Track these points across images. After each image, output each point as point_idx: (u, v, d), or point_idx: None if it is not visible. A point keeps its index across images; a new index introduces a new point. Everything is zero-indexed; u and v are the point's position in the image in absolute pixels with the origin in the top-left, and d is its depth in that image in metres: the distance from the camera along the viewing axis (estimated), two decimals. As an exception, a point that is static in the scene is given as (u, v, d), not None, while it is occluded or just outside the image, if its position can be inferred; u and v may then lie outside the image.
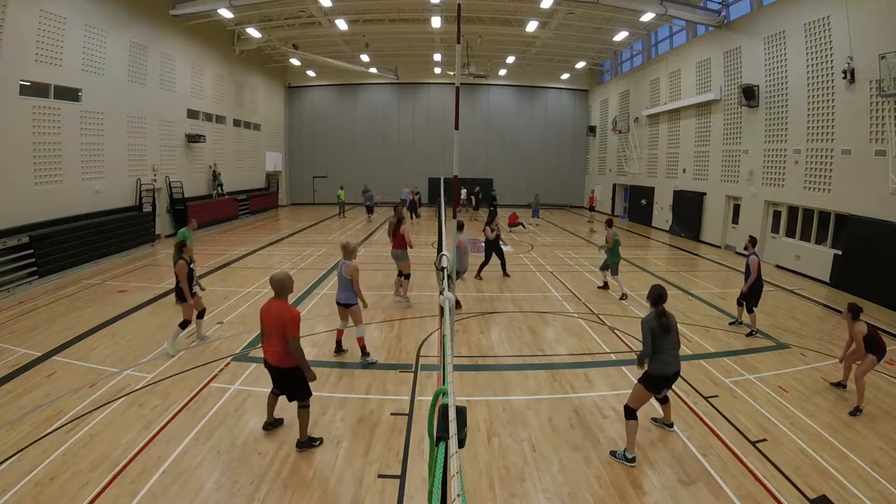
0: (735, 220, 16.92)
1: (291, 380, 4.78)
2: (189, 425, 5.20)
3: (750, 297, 8.22)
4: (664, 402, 5.23)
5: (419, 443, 4.94)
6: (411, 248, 9.59)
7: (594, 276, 12.52)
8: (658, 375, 4.67)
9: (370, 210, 23.83)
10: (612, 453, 4.77)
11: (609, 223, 11.03)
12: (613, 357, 7.36)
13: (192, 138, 19.30)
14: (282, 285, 4.94)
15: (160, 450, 4.74)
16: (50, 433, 4.98)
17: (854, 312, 5.87)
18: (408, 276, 9.73)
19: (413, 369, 6.77)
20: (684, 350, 7.63)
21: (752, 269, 8.02)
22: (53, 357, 6.99)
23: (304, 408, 4.84)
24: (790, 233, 14.32)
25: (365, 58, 25.50)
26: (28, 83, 11.87)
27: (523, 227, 21.05)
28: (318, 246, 16.54)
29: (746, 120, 15.93)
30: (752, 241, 8.43)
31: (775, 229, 14.89)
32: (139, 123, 16.34)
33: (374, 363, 6.86)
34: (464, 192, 25.23)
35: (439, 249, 6.71)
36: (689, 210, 19.35)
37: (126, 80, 15.56)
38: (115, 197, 15.15)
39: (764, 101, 14.94)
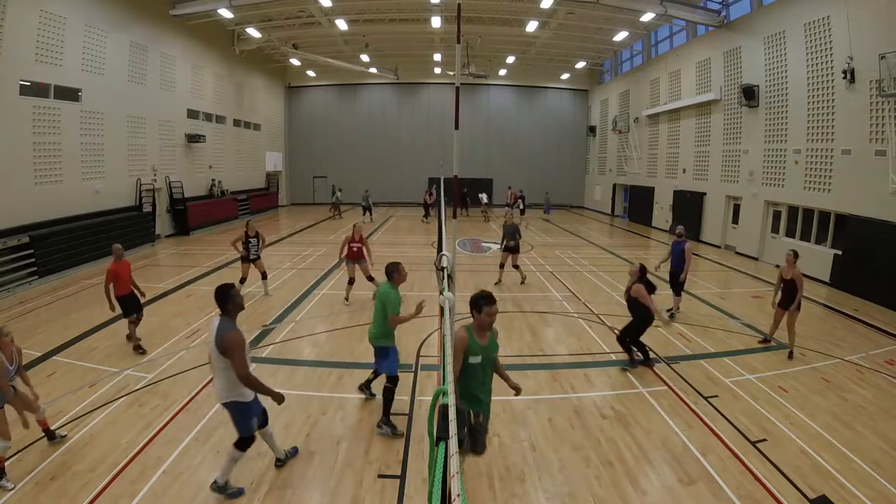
0: (735, 220, 16.92)
1: None
2: (189, 425, 5.21)
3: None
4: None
5: (419, 443, 4.94)
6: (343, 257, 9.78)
7: (594, 276, 12.52)
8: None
9: (368, 210, 23.51)
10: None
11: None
12: (613, 357, 7.36)
13: (192, 138, 19.30)
14: None
15: (160, 450, 4.75)
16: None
17: (797, 256, 7.37)
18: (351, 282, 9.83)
19: (413, 369, 6.77)
20: (683, 350, 7.65)
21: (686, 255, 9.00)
22: (53, 357, 7.00)
23: None
24: (790, 233, 14.31)
25: (365, 58, 25.50)
26: (28, 83, 11.87)
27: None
28: (319, 246, 16.54)
29: (746, 120, 15.93)
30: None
31: (775, 229, 14.89)
32: (139, 123, 16.34)
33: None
34: (483, 195, 24.75)
35: (439, 249, 6.70)
36: (689, 210, 19.33)
37: (126, 80, 15.56)
38: (115, 197, 15.15)
39: (764, 101, 14.94)
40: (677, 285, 9.20)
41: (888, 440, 5.12)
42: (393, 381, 5.23)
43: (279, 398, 4.10)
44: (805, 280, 12.58)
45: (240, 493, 4.15)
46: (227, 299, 3.98)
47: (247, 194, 24.34)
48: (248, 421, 4.09)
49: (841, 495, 4.23)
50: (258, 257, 9.94)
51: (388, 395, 5.19)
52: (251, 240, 9.73)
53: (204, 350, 7.30)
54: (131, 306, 7.27)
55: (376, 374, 5.78)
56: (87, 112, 13.84)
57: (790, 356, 7.35)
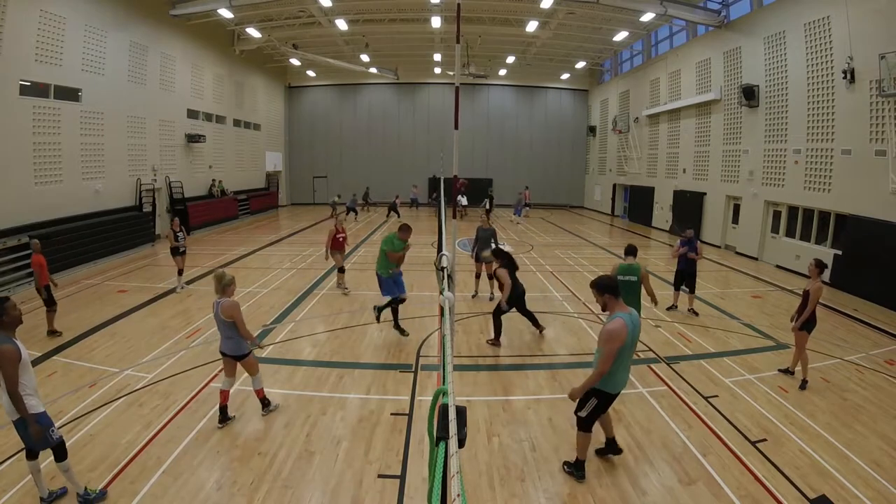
0: (735, 220, 16.92)
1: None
2: (189, 425, 5.20)
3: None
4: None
5: (419, 443, 4.94)
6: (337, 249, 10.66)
7: (594, 277, 12.50)
8: None
9: (353, 211, 24.03)
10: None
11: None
12: (613, 357, 7.35)
13: (192, 138, 19.30)
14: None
15: (160, 450, 4.75)
16: (50, 433, 4.98)
17: (822, 269, 6.34)
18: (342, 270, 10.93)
19: (413, 369, 6.77)
20: (684, 350, 7.65)
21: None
22: (53, 357, 6.99)
23: None
24: (790, 233, 14.31)
25: (365, 58, 25.49)
26: (28, 83, 11.86)
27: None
28: (319, 246, 16.52)
29: (746, 120, 15.93)
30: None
31: (775, 229, 14.89)
32: (139, 123, 16.33)
33: (275, 410, 5.55)
34: (463, 198, 24.80)
35: (439, 249, 6.70)
36: (689, 210, 19.34)
37: (126, 80, 15.56)
38: (115, 197, 15.15)
39: (764, 101, 14.94)
40: (690, 284, 9.38)
41: (888, 440, 5.12)
42: (390, 301, 7.79)
43: (33, 431, 3.75)
44: (805, 280, 12.63)
45: (102, 495, 4.02)
46: (2, 312, 3.77)
47: (247, 194, 24.34)
48: (46, 431, 3.81)
49: (841, 495, 4.23)
50: (185, 250, 10.57)
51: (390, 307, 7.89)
52: (178, 234, 10.34)
53: (204, 350, 7.30)
54: (52, 298, 7.92)
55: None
56: (87, 112, 13.84)
57: (802, 386, 6.29)
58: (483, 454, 4.79)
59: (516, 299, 7.64)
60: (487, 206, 24.29)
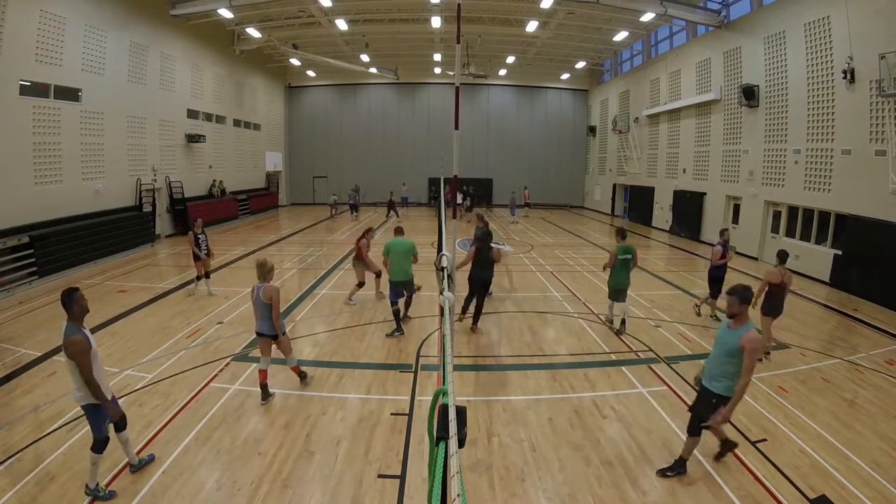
0: (735, 220, 16.92)
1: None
2: (189, 425, 5.21)
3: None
4: None
5: (419, 443, 4.95)
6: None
7: (594, 276, 12.52)
8: None
9: (354, 209, 23.97)
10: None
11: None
12: (613, 357, 7.36)
13: (192, 138, 19.30)
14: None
15: (160, 450, 4.75)
16: (50, 433, 4.99)
17: (782, 258, 6.85)
18: (360, 285, 9.83)
19: (413, 369, 6.77)
20: (684, 350, 7.65)
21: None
22: (53, 357, 6.98)
23: None
24: (790, 233, 14.31)
25: (365, 58, 25.50)
26: (28, 83, 11.86)
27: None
28: (319, 246, 16.54)
29: (746, 120, 15.93)
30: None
31: (775, 229, 14.89)
32: (139, 123, 16.34)
33: (311, 381, 6.17)
34: (459, 195, 24.95)
35: (439, 249, 6.69)
36: (689, 210, 19.35)
37: (126, 80, 15.56)
38: (115, 197, 15.15)
39: (764, 101, 14.94)
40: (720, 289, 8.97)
41: (888, 440, 5.13)
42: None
43: (113, 413, 4.15)
44: (805, 280, 12.76)
45: (111, 495, 4.08)
46: (72, 302, 3.94)
47: (247, 194, 24.35)
48: (102, 423, 4.06)
49: (841, 495, 4.23)
50: (208, 253, 10.10)
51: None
52: (199, 236, 9.92)
53: (204, 350, 7.31)
54: None
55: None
56: (87, 112, 13.84)
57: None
58: (483, 454, 4.79)
59: (482, 285, 8.15)
60: (468, 204, 24.51)
